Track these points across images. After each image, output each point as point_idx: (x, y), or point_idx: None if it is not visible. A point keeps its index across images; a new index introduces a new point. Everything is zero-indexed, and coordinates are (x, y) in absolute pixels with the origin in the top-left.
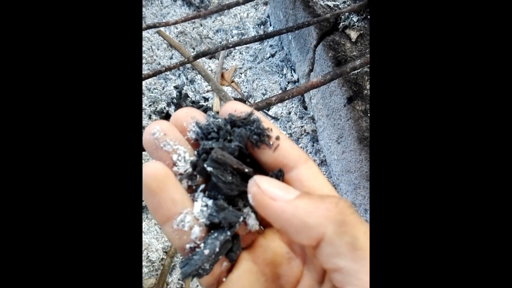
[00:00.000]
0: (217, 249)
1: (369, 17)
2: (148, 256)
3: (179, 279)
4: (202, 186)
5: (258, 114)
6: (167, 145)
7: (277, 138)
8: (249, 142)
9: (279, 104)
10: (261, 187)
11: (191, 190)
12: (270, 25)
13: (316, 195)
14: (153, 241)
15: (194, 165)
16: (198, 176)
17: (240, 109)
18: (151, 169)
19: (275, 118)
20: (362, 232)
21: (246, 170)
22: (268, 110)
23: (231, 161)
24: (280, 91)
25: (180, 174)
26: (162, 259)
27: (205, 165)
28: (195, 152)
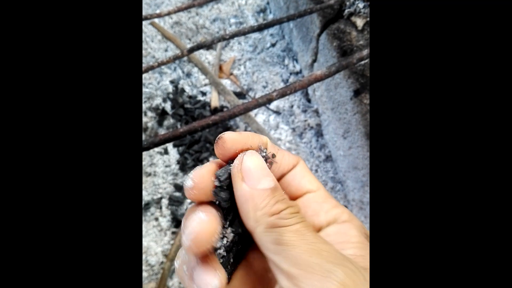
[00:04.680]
0: None
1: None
2: (147, 260)
3: (180, 283)
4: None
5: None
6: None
7: (273, 156)
8: None
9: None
10: (242, 165)
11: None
12: (270, 12)
13: (280, 197)
14: (152, 244)
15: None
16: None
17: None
18: None
19: (276, 112)
20: (291, 230)
21: None
22: (269, 104)
23: None
24: (281, 83)
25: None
26: (162, 262)
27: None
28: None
